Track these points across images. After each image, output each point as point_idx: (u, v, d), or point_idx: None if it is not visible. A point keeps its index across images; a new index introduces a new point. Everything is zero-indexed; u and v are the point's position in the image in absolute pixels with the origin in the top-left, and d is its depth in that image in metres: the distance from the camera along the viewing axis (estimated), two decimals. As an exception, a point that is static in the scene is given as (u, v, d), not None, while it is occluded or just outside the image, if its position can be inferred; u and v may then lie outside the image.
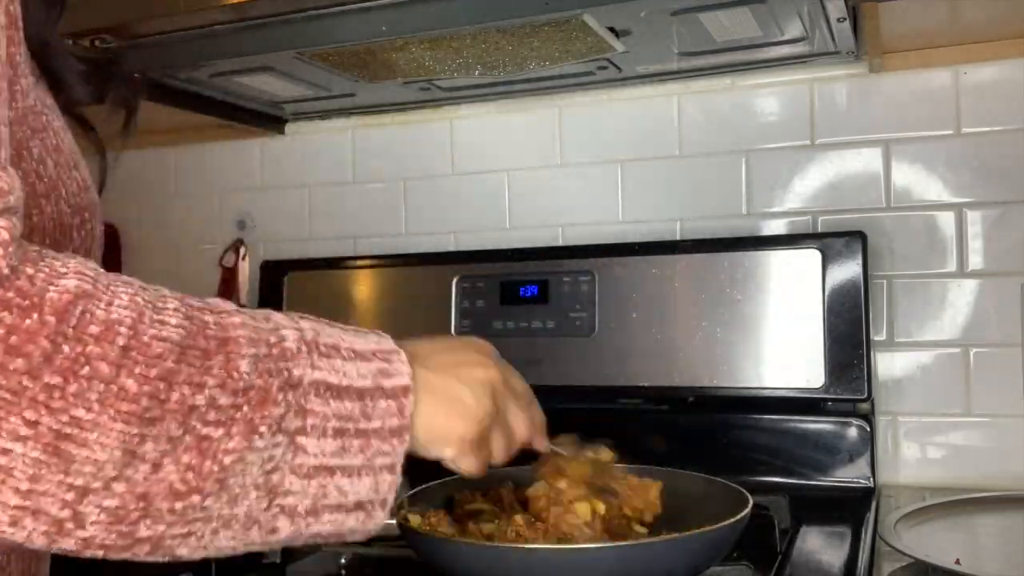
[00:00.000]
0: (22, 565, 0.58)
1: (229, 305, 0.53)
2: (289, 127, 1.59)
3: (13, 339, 0.43)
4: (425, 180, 1.50)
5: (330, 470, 0.53)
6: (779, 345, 1.20)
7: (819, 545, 0.98)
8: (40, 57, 0.61)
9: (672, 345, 1.25)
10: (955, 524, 1.02)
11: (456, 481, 0.81)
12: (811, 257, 1.20)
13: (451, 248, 1.47)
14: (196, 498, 0.48)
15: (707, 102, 1.34)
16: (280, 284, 1.48)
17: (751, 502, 0.81)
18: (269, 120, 1.55)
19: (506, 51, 1.14)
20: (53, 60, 0.63)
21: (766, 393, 1.21)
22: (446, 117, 1.49)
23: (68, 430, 0.44)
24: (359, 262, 1.46)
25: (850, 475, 1.19)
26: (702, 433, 1.25)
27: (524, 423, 0.70)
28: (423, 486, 0.85)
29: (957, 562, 0.81)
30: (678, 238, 1.35)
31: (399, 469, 0.57)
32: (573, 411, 1.30)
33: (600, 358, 1.27)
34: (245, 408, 0.49)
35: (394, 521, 0.82)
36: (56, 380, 0.44)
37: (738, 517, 0.77)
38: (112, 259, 1.68)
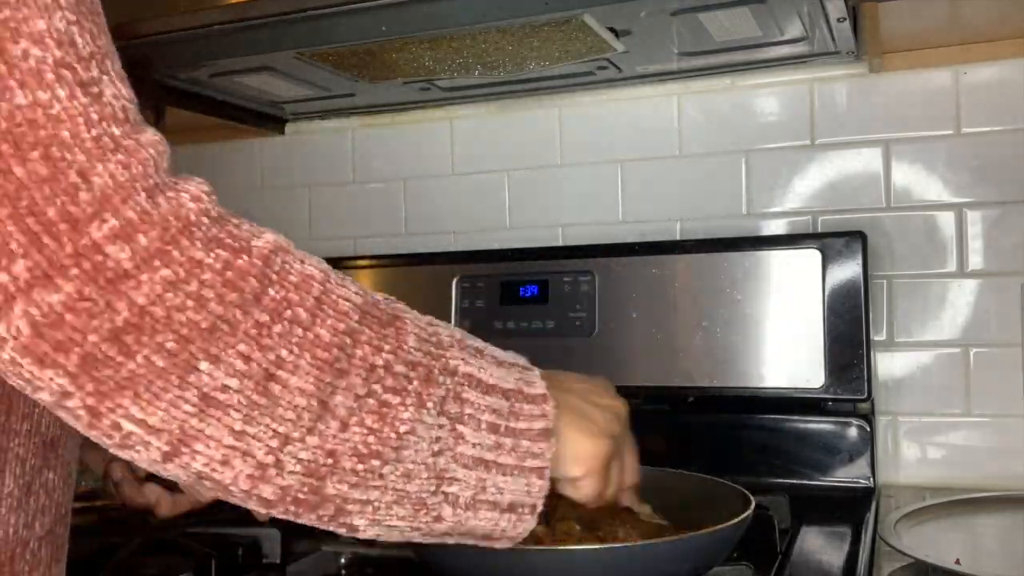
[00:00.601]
0: (51, 552, 0.58)
1: (391, 298, 0.55)
2: (289, 127, 1.59)
3: (228, 273, 0.45)
4: (425, 180, 1.50)
5: (487, 464, 0.55)
6: (779, 345, 1.20)
7: (819, 545, 0.98)
8: None
9: (672, 345, 1.25)
10: (955, 524, 1.02)
11: None
12: (811, 257, 1.20)
13: (451, 248, 1.47)
14: (376, 462, 0.50)
15: (707, 102, 1.34)
16: (280, 284, 1.48)
17: (753, 503, 0.81)
18: (269, 120, 1.55)
19: (506, 51, 1.14)
20: None
21: (766, 393, 1.21)
22: (446, 117, 1.49)
23: (275, 370, 0.46)
24: (359, 262, 1.46)
25: (850, 475, 1.19)
26: (702, 433, 1.25)
27: (636, 463, 0.72)
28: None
29: (957, 562, 0.81)
30: (678, 238, 1.35)
31: (547, 474, 0.57)
32: (573, 411, 1.30)
33: (600, 358, 1.27)
34: (416, 382, 0.51)
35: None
36: (264, 318, 0.46)
37: (741, 518, 0.77)
38: (112, 259, 1.68)
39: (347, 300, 0.50)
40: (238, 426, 0.46)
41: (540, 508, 0.58)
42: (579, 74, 1.29)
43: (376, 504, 0.52)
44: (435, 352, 0.53)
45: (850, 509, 1.09)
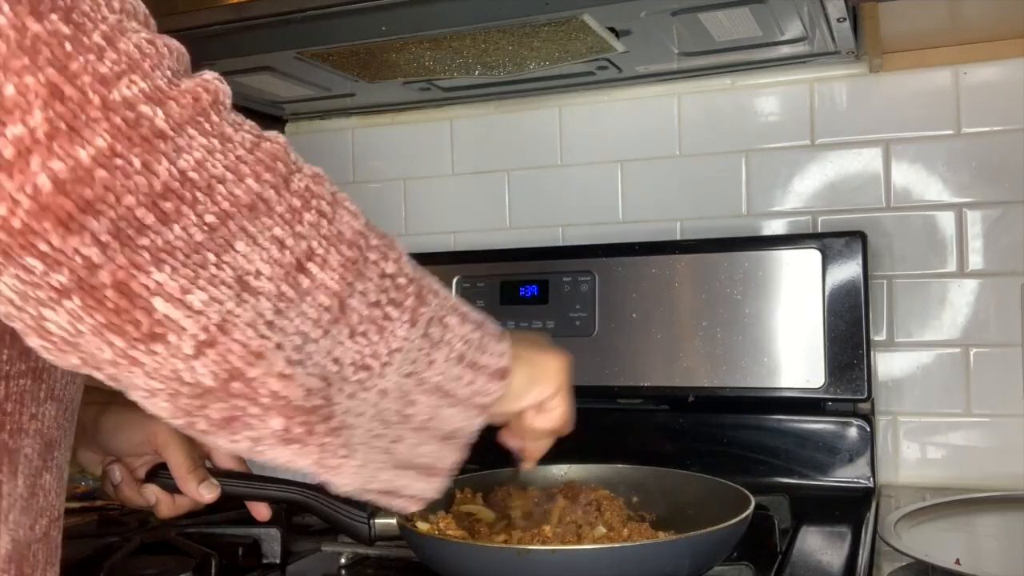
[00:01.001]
0: (46, 554, 0.58)
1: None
2: (289, 127, 1.58)
3: (258, 153, 0.43)
4: (425, 180, 1.50)
5: (443, 392, 0.55)
6: (779, 345, 1.20)
7: (819, 545, 0.98)
8: None
9: (672, 345, 1.24)
10: (955, 524, 1.02)
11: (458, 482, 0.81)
12: (811, 257, 1.20)
13: (451, 248, 1.47)
14: (363, 375, 0.49)
15: (707, 102, 1.34)
16: (280, 284, 1.48)
17: (753, 502, 0.81)
18: (269, 120, 1.55)
19: (506, 51, 1.14)
20: None
21: (766, 393, 1.21)
22: (446, 117, 1.49)
23: (305, 261, 0.44)
24: (359, 262, 1.45)
25: (850, 475, 1.19)
26: (702, 433, 1.25)
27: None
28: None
29: (957, 562, 0.81)
30: (678, 238, 1.35)
31: (487, 412, 0.59)
32: (573, 411, 1.30)
33: (600, 358, 1.27)
34: (412, 298, 0.51)
35: (394, 521, 0.82)
36: (297, 203, 0.44)
37: (741, 517, 0.77)
38: (112, 259, 1.68)
39: (351, 203, 0.49)
40: (269, 316, 0.43)
41: (468, 443, 0.59)
42: (579, 74, 1.29)
43: (361, 413, 0.51)
44: (423, 275, 0.53)
45: (850, 509, 1.09)
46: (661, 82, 1.34)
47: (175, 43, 0.44)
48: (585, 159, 1.41)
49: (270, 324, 0.43)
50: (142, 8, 0.44)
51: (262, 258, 0.42)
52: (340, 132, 1.56)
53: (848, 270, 1.18)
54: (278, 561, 0.95)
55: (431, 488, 0.60)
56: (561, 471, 0.98)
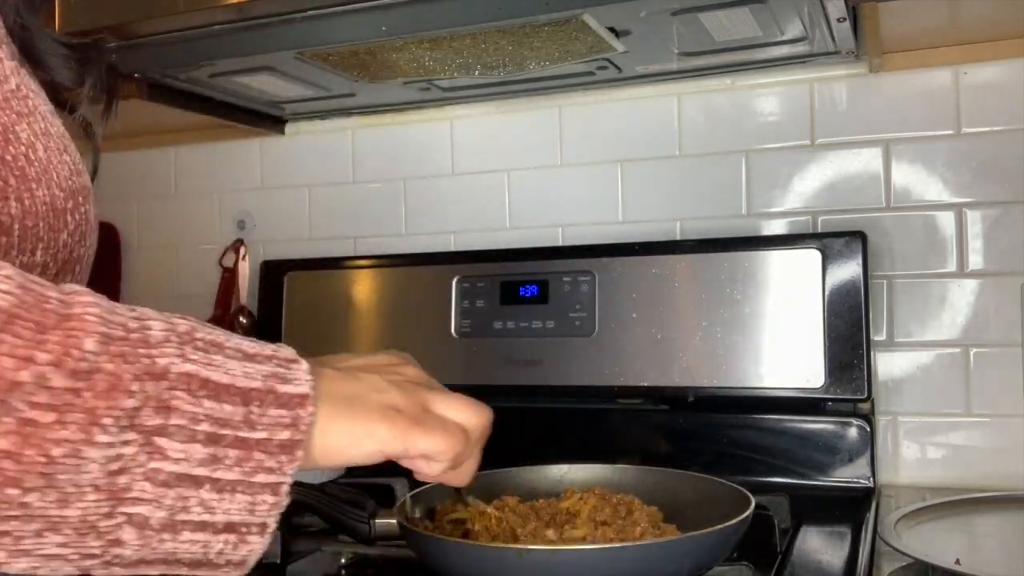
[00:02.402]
0: None
1: (85, 289, 0.46)
2: (289, 127, 1.59)
3: None
4: (425, 180, 1.50)
5: (196, 480, 0.46)
6: (779, 345, 1.20)
7: (819, 545, 0.98)
8: (21, 40, 0.61)
9: (672, 345, 1.25)
10: (955, 524, 1.02)
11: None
12: (811, 257, 1.20)
13: (451, 248, 1.47)
14: (13, 491, 0.42)
15: (707, 102, 1.35)
16: (280, 284, 1.48)
17: (753, 503, 0.81)
18: (269, 120, 1.55)
19: (506, 51, 1.14)
20: (35, 43, 0.62)
21: (766, 393, 1.21)
22: (446, 117, 1.49)
23: None
24: (359, 262, 1.46)
25: (850, 475, 1.19)
26: (702, 433, 1.25)
27: (463, 405, 0.59)
28: (425, 486, 0.85)
29: (957, 562, 0.81)
30: (678, 238, 1.35)
31: (285, 491, 0.49)
32: (573, 411, 1.30)
33: (600, 358, 1.27)
34: (87, 395, 0.43)
35: (394, 521, 0.82)
36: None
37: (741, 518, 0.77)
38: (112, 259, 1.68)
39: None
40: None
41: (272, 527, 0.50)
42: (579, 74, 1.29)
43: (17, 534, 0.43)
44: (132, 353, 0.45)
45: (850, 509, 1.09)
46: (661, 82, 1.34)
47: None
48: (585, 159, 1.41)
49: None
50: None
51: None
52: (340, 132, 1.56)
53: (848, 270, 1.19)
54: (278, 561, 0.95)
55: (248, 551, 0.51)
56: (561, 471, 0.98)
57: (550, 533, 0.80)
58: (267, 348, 0.50)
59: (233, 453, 0.47)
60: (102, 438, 0.43)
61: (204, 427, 0.46)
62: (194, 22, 1.04)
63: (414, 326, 1.36)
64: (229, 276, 1.58)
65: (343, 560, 0.95)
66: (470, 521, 0.81)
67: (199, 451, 0.46)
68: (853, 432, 1.19)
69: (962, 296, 1.23)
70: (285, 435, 0.48)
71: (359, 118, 1.54)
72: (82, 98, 0.67)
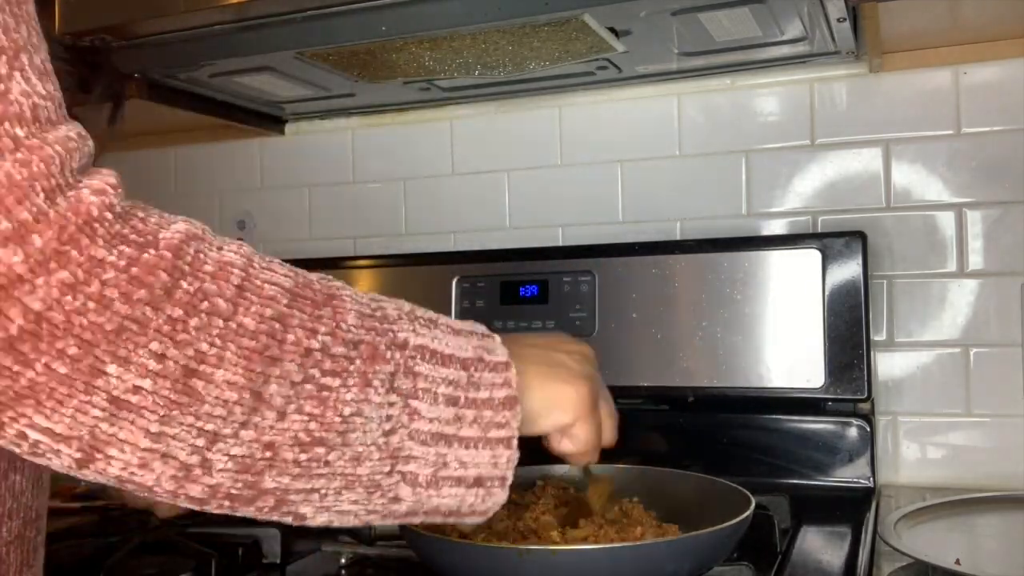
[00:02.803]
0: (21, 556, 0.58)
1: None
2: (289, 127, 1.59)
3: (134, 270, 0.43)
4: (425, 180, 1.50)
5: (447, 439, 0.53)
6: (779, 345, 1.20)
7: (819, 545, 0.98)
8: None
9: (672, 345, 1.24)
10: (955, 524, 1.02)
11: None
12: (811, 257, 1.20)
13: (451, 248, 1.47)
14: (320, 450, 0.49)
15: (707, 102, 1.34)
16: (280, 284, 1.48)
17: (753, 503, 0.81)
18: (269, 120, 1.55)
19: (506, 51, 1.14)
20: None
21: (766, 393, 1.21)
22: (446, 117, 1.49)
23: (195, 365, 0.44)
24: (359, 262, 1.45)
25: (850, 475, 1.19)
26: (702, 433, 1.25)
27: (613, 421, 0.70)
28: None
29: (957, 562, 0.81)
30: (678, 238, 1.35)
31: (515, 444, 0.56)
32: (573, 411, 1.30)
33: (600, 358, 1.27)
34: (357, 361, 0.50)
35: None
36: (178, 313, 0.44)
37: (741, 518, 0.77)
38: (112, 259, 1.68)
39: (273, 284, 0.48)
40: (154, 428, 0.44)
41: (510, 479, 0.56)
42: (579, 74, 1.29)
43: (323, 491, 0.50)
44: (380, 327, 0.51)
45: (850, 509, 1.09)
46: (661, 82, 1.34)
47: (62, 144, 0.43)
48: (585, 159, 1.41)
49: (156, 435, 0.44)
50: (32, 99, 0.43)
51: (139, 374, 0.43)
52: (340, 132, 1.56)
53: (848, 270, 1.19)
54: (278, 561, 0.95)
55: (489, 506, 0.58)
56: (561, 471, 0.98)
57: (554, 534, 0.81)
58: (468, 325, 0.57)
59: (469, 413, 0.54)
60: (376, 398, 0.50)
61: (442, 389, 0.53)
62: (194, 22, 1.04)
63: (414, 326, 1.35)
64: (229, 276, 1.57)
65: (343, 560, 0.95)
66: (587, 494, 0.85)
67: (445, 411, 0.53)
68: (853, 432, 1.19)
69: (962, 296, 1.23)
70: (503, 393, 0.55)
71: (359, 118, 1.54)
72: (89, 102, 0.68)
